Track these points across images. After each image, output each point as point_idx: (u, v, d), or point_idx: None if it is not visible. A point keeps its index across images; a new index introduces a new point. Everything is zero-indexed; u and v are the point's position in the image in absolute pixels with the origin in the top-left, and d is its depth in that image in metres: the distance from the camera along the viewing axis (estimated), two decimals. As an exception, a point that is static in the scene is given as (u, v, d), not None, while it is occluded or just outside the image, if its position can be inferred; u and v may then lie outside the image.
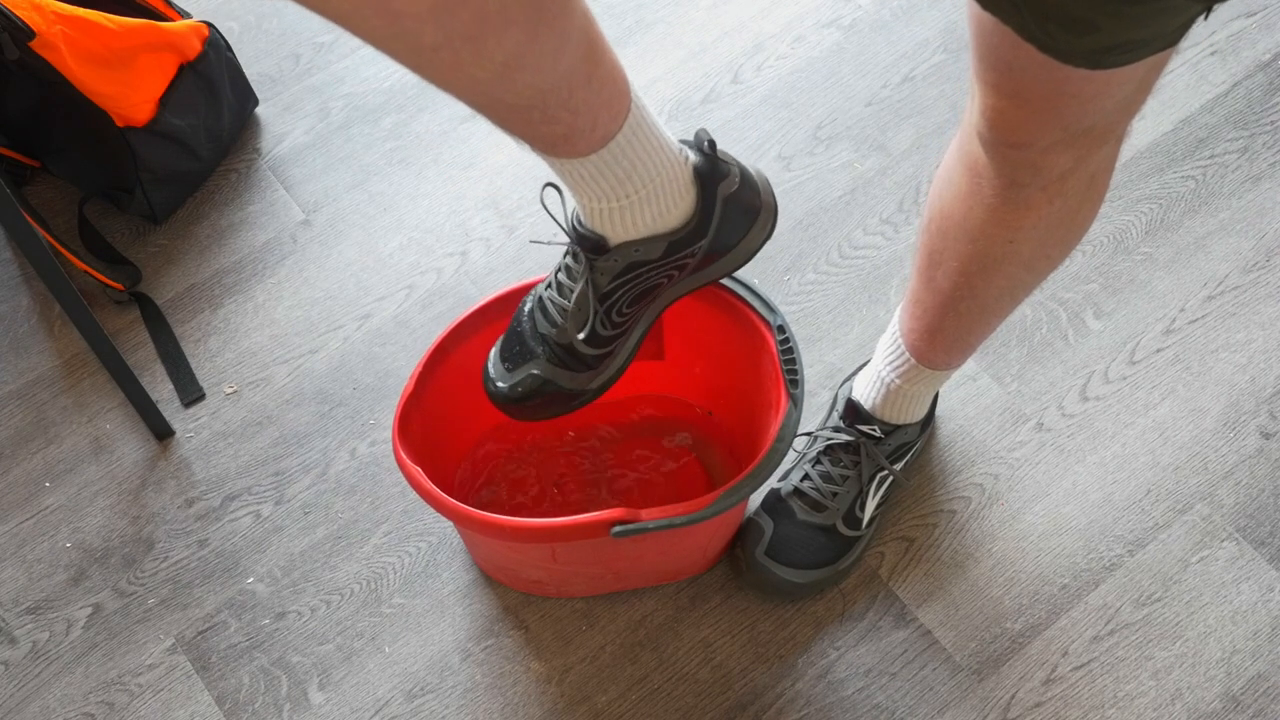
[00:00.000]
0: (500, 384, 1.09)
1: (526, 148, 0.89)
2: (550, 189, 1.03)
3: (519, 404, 1.08)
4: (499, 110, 0.83)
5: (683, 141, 1.00)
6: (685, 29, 1.70)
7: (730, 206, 1.02)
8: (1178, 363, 1.43)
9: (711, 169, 1.00)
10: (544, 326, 1.06)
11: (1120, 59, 0.76)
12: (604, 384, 1.09)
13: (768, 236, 1.08)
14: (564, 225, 1.02)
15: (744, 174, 1.04)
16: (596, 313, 1.03)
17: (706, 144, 1.00)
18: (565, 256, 1.05)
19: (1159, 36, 0.75)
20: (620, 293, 1.03)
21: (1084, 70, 0.77)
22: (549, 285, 1.07)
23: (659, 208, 0.97)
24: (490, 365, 1.10)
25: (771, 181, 1.55)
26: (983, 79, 0.88)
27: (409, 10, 0.69)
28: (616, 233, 0.98)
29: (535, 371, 1.07)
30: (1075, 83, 0.80)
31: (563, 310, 1.05)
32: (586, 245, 0.99)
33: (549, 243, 1.09)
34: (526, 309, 1.09)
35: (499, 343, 1.11)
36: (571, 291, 1.04)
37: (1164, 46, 0.77)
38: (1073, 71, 0.77)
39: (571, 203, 1.00)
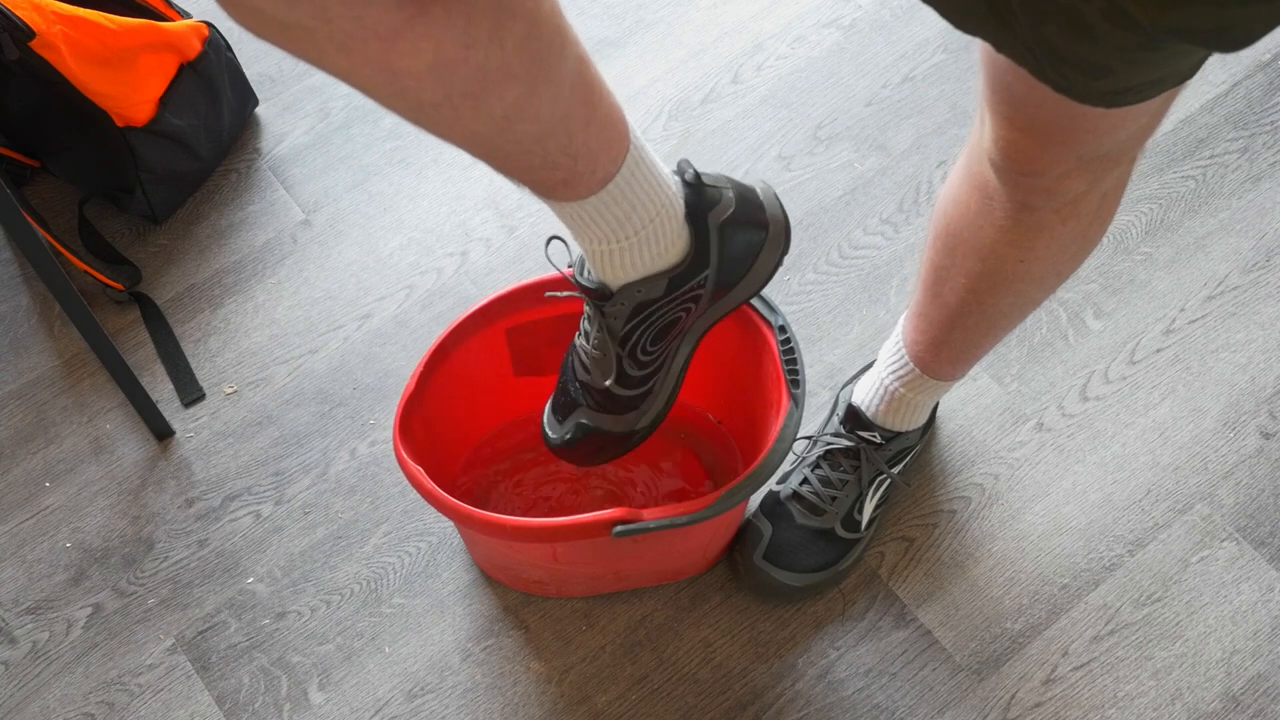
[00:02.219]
0: (553, 435, 1.11)
1: (527, 191, 0.88)
2: (556, 241, 1.03)
3: (574, 451, 1.10)
4: (499, 158, 0.83)
5: (676, 173, 0.98)
6: (685, 29, 1.70)
7: (729, 231, 1.00)
8: (1178, 363, 1.43)
9: (697, 200, 0.97)
10: (581, 375, 1.07)
11: (1136, 98, 0.76)
12: (654, 421, 1.09)
13: (783, 253, 1.05)
14: (567, 276, 1.02)
15: (742, 195, 1.01)
16: (620, 357, 1.03)
17: (690, 174, 0.97)
18: (587, 305, 1.04)
19: (1173, 75, 0.75)
20: (638, 333, 1.02)
21: (1100, 108, 0.77)
22: (580, 335, 1.07)
23: (657, 247, 0.96)
24: (545, 421, 1.13)
25: (772, 182, 1.56)
26: (995, 110, 0.87)
27: (409, 69, 0.69)
28: (616, 276, 0.97)
29: (583, 420, 1.08)
30: (1091, 118, 0.80)
31: (592, 359, 1.05)
32: (591, 295, 0.99)
33: (565, 295, 1.09)
34: (568, 362, 1.10)
35: (551, 398, 1.13)
36: (595, 340, 1.04)
37: (1179, 82, 0.77)
38: (1088, 109, 0.77)
39: (577, 250, 0.99)
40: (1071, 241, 0.98)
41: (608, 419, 1.08)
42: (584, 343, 1.06)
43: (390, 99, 0.73)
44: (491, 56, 0.71)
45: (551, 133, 0.80)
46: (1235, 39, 0.66)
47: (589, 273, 0.99)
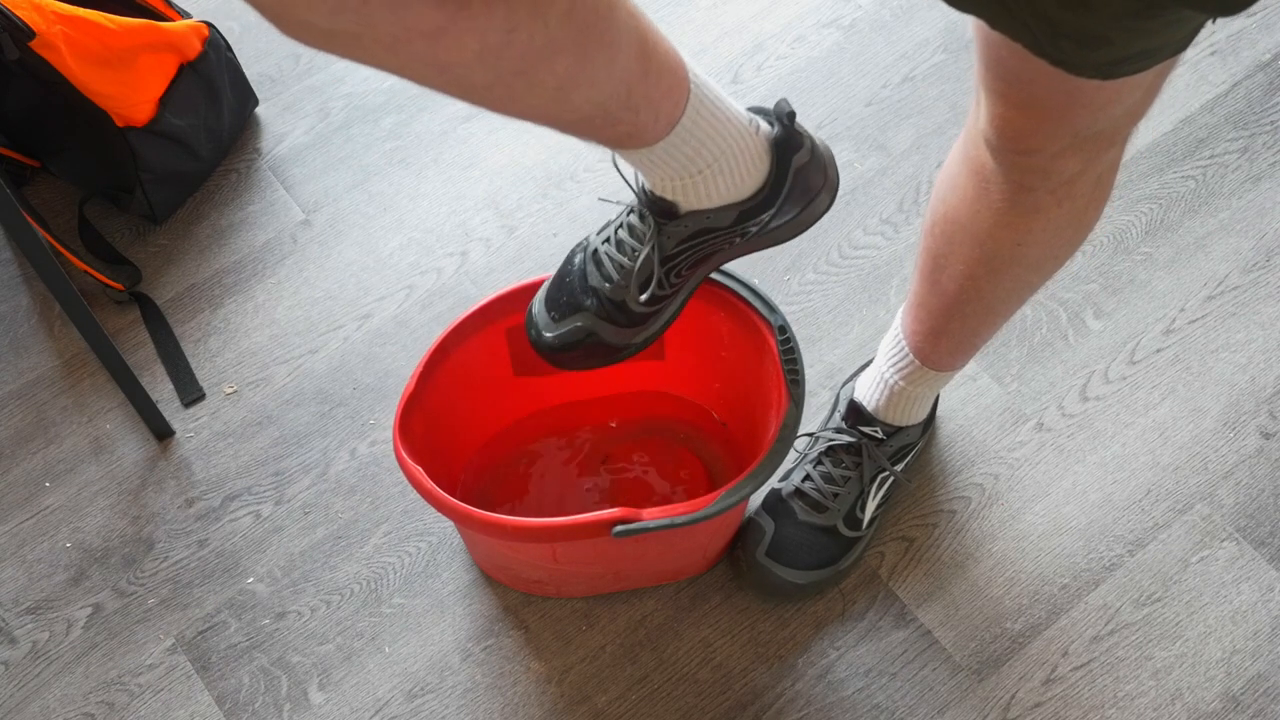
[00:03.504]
0: (546, 333, 1.08)
1: (598, 146, 0.88)
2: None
3: (562, 353, 1.08)
4: (561, 124, 0.83)
5: (754, 110, 0.99)
6: (685, 29, 1.70)
7: (800, 177, 1.03)
8: (1178, 363, 1.43)
9: (788, 140, 1.00)
10: (596, 280, 1.06)
11: (1132, 69, 0.76)
12: (648, 339, 1.09)
13: (826, 209, 1.07)
14: (633, 186, 1.02)
15: (816, 146, 1.04)
16: (657, 274, 1.03)
17: (787, 116, 0.99)
18: (629, 215, 1.04)
19: (1169, 44, 0.75)
20: (684, 255, 1.03)
21: (1096, 80, 0.77)
22: (607, 240, 1.06)
23: (731, 179, 0.97)
24: (535, 312, 1.10)
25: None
26: (990, 88, 0.87)
27: (457, 60, 0.69)
28: (689, 201, 0.98)
29: (580, 323, 1.07)
30: (1086, 92, 0.80)
31: (622, 268, 1.04)
32: (657, 210, 0.99)
33: (615, 202, 1.08)
34: (577, 260, 1.08)
35: (545, 289, 1.10)
36: (635, 251, 1.03)
37: (1174, 53, 0.77)
38: (1084, 82, 0.77)
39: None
40: (1067, 224, 0.98)
41: (609, 328, 1.07)
42: (613, 250, 1.05)
43: (443, 86, 0.74)
44: (536, 36, 0.71)
45: (611, 94, 0.80)
46: (1231, 1, 0.67)
47: (657, 191, 0.98)
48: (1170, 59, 0.78)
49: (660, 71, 0.85)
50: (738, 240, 1.04)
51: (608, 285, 1.05)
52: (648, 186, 0.99)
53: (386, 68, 0.70)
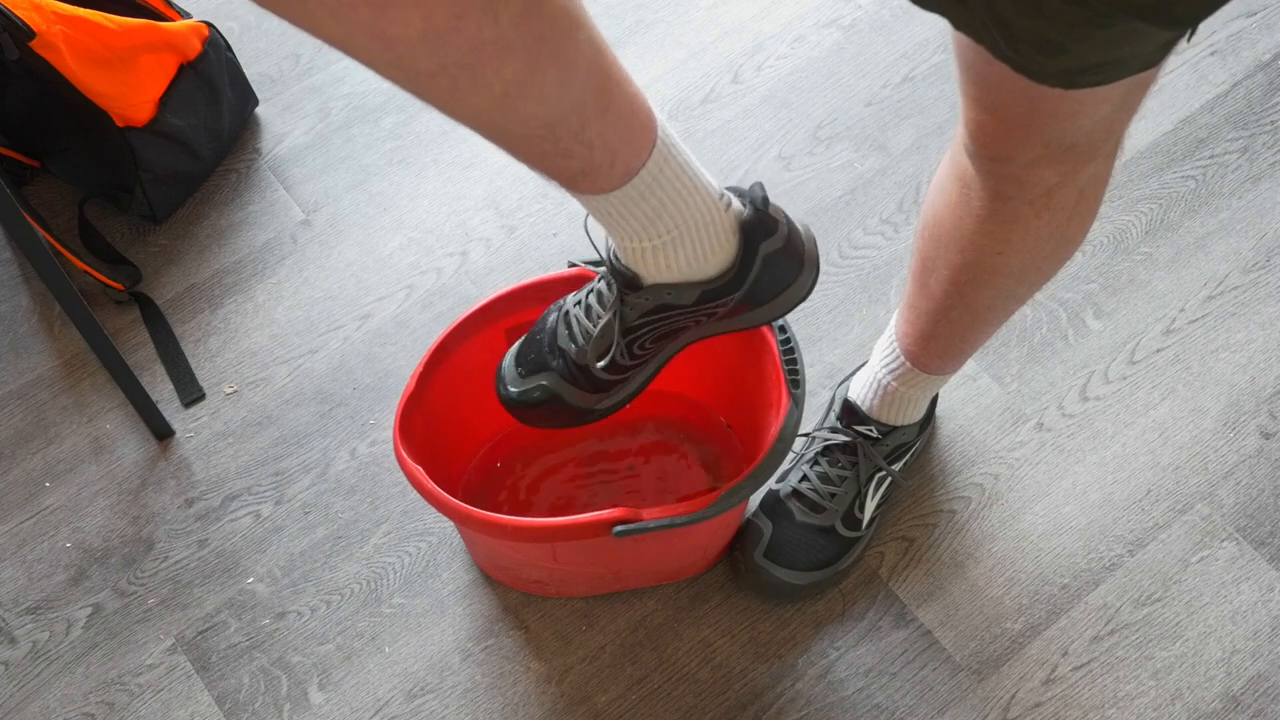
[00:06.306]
0: (511, 388, 1.08)
1: (555, 185, 0.87)
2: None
3: (525, 410, 1.08)
4: (507, 140, 0.81)
5: (731, 189, 0.97)
6: (685, 29, 1.70)
7: (771, 263, 1.00)
8: (1178, 363, 1.43)
9: (758, 224, 0.97)
10: (564, 342, 1.05)
11: (1094, 80, 0.75)
12: (612, 406, 1.08)
13: (806, 294, 1.04)
14: (602, 254, 1.01)
15: (792, 231, 1.01)
16: (619, 344, 1.02)
17: (760, 200, 0.97)
18: (599, 282, 1.03)
19: (1134, 58, 0.74)
20: (646, 330, 1.02)
21: (1059, 89, 0.76)
22: (578, 303, 1.05)
23: (694, 253, 0.95)
24: (505, 367, 1.10)
25: (772, 182, 1.56)
26: (965, 92, 0.87)
27: (401, 36, 0.68)
28: (650, 273, 0.96)
29: (545, 383, 1.06)
30: (1051, 101, 0.79)
31: (586, 333, 1.04)
32: (620, 280, 0.98)
33: (588, 263, 1.08)
34: (550, 319, 1.08)
35: (517, 345, 1.10)
36: (599, 318, 1.03)
37: (1143, 67, 0.76)
38: (1048, 90, 0.76)
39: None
40: (1049, 237, 0.97)
41: (573, 391, 1.06)
42: (582, 314, 1.04)
43: (387, 68, 0.72)
44: (485, 29, 0.70)
45: (561, 118, 0.78)
46: (1177, 15, 0.66)
47: (621, 260, 0.97)
48: (1143, 74, 0.77)
49: (621, 114, 0.82)
50: (704, 320, 1.02)
51: (574, 348, 1.05)
52: (617, 253, 0.98)
53: (333, 38, 0.69)
